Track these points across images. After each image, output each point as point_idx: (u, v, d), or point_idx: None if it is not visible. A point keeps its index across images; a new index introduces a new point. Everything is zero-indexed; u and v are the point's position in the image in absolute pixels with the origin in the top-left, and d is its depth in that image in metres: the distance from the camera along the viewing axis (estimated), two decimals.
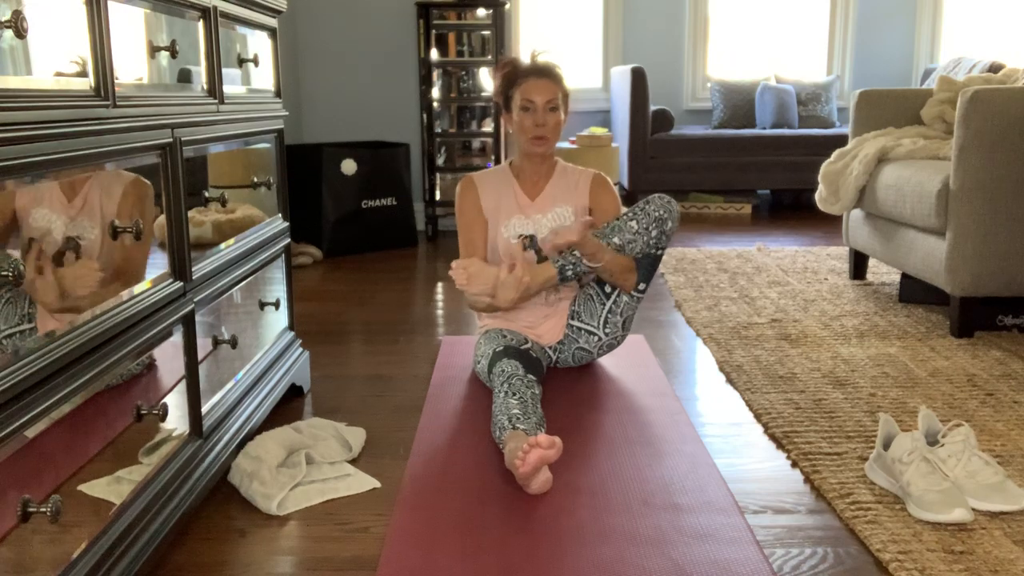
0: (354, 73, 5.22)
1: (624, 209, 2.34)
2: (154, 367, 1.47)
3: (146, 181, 1.44)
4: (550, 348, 2.41)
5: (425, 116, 4.83)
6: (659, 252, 2.30)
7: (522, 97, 2.29)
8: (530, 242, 2.36)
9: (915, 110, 3.43)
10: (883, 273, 3.66)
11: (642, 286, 2.31)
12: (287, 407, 2.21)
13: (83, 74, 1.22)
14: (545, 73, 2.31)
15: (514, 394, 1.93)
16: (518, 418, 1.85)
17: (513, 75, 2.34)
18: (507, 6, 4.85)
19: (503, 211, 2.38)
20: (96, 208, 1.27)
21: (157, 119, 1.45)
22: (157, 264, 1.50)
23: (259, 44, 2.08)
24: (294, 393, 2.30)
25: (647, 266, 2.30)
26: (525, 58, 2.37)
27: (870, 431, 1.98)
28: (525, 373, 2.01)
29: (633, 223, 2.24)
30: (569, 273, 2.23)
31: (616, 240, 2.24)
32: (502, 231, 2.38)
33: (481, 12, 4.74)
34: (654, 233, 2.24)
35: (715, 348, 2.65)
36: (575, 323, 2.37)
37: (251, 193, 2.02)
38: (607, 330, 2.35)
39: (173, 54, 1.50)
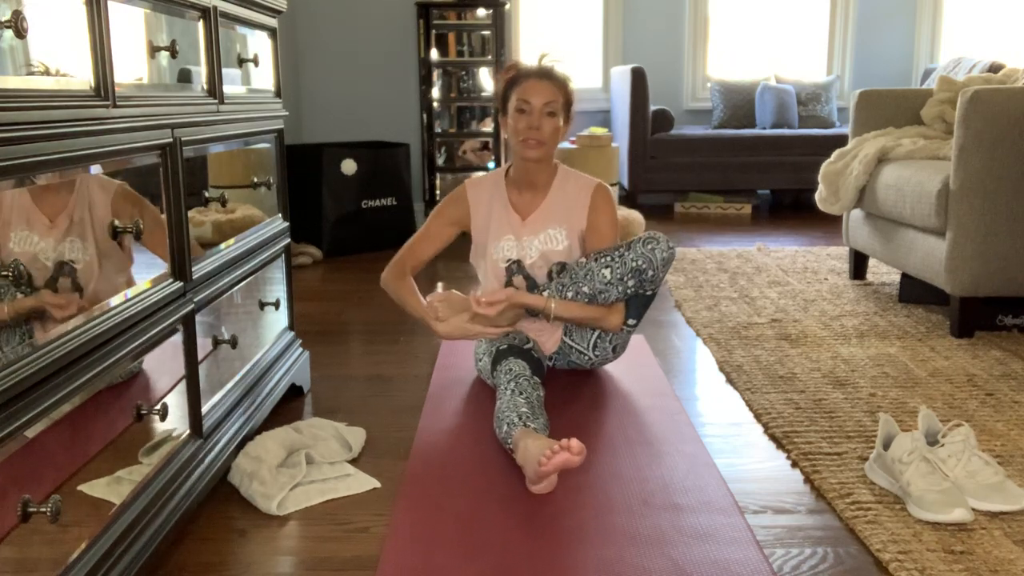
0: (354, 73, 5.22)
1: (619, 230, 2.28)
2: (154, 367, 1.47)
3: (131, 190, 1.39)
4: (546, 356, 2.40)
5: (425, 116, 4.83)
6: (648, 293, 2.20)
7: (518, 98, 2.19)
8: (517, 267, 2.30)
9: (915, 110, 3.43)
10: (883, 273, 3.66)
11: (632, 322, 2.24)
12: (287, 407, 2.21)
13: (83, 74, 1.22)
14: (546, 75, 2.21)
15: (521, 393, 1.93)
16: (528, 416, 1.84)
17: (515, 77, 2.24)
18: (507, 6, 4.85)
19: (493, 231, 2.31)
20: (85, 224, 1.22)
21: (157, 119, 1.45)
22: (157, 264, 1.50)
23: (259, 44, 2.08)
24: (294, 393, 2.29)
25: (637, 305, 2.22)
26: (532, 61, 2.28)
27: (870, 431, 1.98)
28: (532, 374, 2.01)
29: (606, 272, 2.14)
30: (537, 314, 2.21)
31: (585, 289, 2.15)
32: (491, 252, 2.31)
33: (481, 12, 4.74)
34: (631, 283, 2.14)
35: (715, 348, 2.65)
36: (567, 340, 2.34)
37: (251, 193, 2.02)
38: (596, 353, 2.33)
39: (173, 54, 1.50)
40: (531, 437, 1.75)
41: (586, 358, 2.35)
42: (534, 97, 2.18)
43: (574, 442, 1.64)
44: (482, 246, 2.34)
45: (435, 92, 4.81)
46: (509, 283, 2.30)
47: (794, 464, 1.86)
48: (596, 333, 2.29)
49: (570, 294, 2.17)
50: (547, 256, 2.28)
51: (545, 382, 2.32)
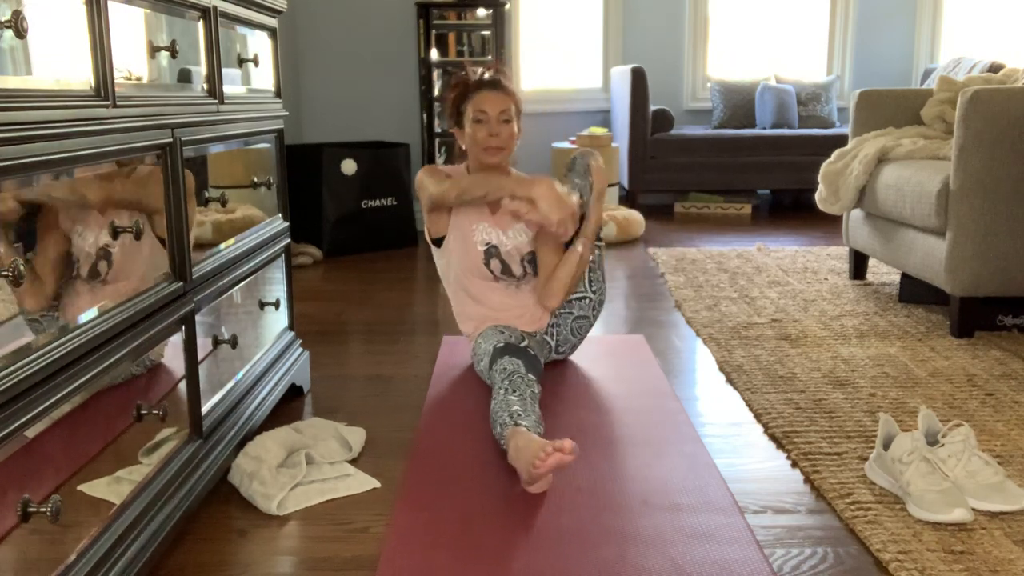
0: (354, 73, 5.22)
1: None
2: (154, 367, 1.47)
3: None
4: (546, 333, 2.44)
5: (425, 116, 4.83)
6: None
7: (474, 109, 2.32)
8: (494, 251, 2.41)
9: (915, 110, 3.43)
10: (883, 273, 3.66)
11: (599, 241, 2.49)
12: (287, 407, 2.21)
13: (83, 74, 1.22)
14: (496, 85, 2.34)
15: (514, 391, 1.94)
16: (519, 414, 1.85)
17: (464, 91, 2.37)
18: (507, 6, 4.85)
19: (469, 213, 2.40)
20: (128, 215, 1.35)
21: (157, 119, 1.45)
22: (158, 263, 1.50)
23: (259, 44, 2.08)
24: (294, 393, 2.30)
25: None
26: (482, 75, 2.40)
27: (870, 431, 1.98)
28: (526, 372, 2.02)
29: (577, 179, 2.41)
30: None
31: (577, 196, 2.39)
32: (470, 235, 2.40)
33: (481, 12, 4.74)
34: (581, 171, 2.42)
35: (715, 348, 2.65)
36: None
37: (251, 193, 2.02)
38: (594, 288, 2.45)
39: (173, 54, 1.50)
40: (521, 437, 1.76)
41: (587, 300, 2.45)
42: (489, 107, 2.31)
43: (567, 443, 1.67)
44: (459, 222, 2.40)
45: (435, 92, 4.81)
46: (488, 264, 2.41)
47: (794, 464, 1.86)
48: (587, 271, 2.45)
49: None
50: (519, 248, 2.43)
51: (543, 380, 2.33)
